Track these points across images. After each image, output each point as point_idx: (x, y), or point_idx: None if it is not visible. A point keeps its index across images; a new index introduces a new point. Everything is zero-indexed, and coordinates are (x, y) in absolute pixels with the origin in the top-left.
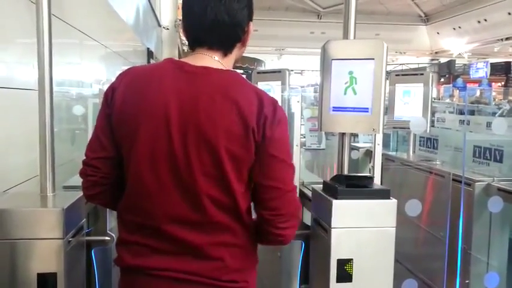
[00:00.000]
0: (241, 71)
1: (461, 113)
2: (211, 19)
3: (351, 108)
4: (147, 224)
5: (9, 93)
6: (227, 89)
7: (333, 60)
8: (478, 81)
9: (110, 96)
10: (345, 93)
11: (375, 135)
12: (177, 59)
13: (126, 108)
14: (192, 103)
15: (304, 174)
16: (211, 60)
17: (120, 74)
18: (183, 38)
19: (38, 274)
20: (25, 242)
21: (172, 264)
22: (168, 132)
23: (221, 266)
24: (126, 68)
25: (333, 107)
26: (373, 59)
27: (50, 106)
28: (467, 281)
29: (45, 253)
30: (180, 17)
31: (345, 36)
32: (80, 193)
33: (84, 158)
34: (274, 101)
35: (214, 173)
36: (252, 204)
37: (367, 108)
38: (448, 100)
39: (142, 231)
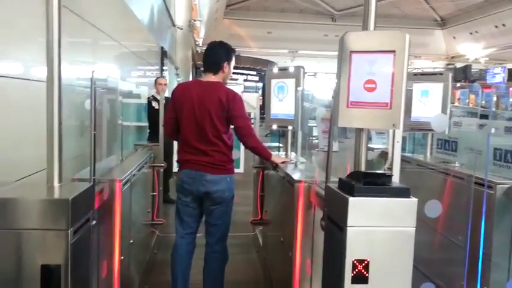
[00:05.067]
0: (255, 72)
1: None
2: (209, 60)
3: (370, 103)
4: (189, 144)
5: (22, 84)
6: (216, 89)
7: (351, 53)
8: (495, 87)
9: (172, 96)
10: (364, 87)
11: (394, 132)
12: (199, 79)
13: (178, 100)
14: (202, 96)
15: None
16: (211, 77)
17: (177, 85)
18: (197, 39)
19: (42, 266)
20: (30, 233)
21: (197, 158)
22: (193, 109)
23: (216, 158)
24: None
25: (351, 102)
26: (394, 51)
27: (58, 97)
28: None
29: (50, 244)
30: (195, 18)
31: (365, 27)
32: (89, 184)
33: (165, 120)
34: (234, 92)
35: (211, 123)
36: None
37: (387, 103)
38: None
39: (185, 147)
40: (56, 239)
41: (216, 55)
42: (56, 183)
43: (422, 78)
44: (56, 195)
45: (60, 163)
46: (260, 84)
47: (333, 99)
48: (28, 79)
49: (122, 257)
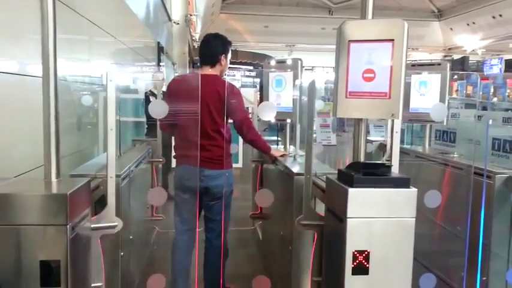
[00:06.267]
0: (251, 67)
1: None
2: (205, 52)
3: (369, 92)
4: (187, 139)
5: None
6: (214, 82)
7: (350, 42)
8: (493, 78)
9: (168, 89)
10: (363, 77)
11: (393, 123)
12: (197, 71)
13: (175, 94)
14: (200, 89)
15: (316, 165)
16: (208, 70)
17: (173, 79)
18: (194, 34)
19: (41, 261)
20: (28, 228)
21: (194, 153)
22: (191, 102)
23: (214, 153)
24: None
25: (350, 92)
26: (393, 40)
27: (54, 92)
28: (484, 278)
29: (49, 240)
30: (191, 12)
31: (363, 16)
32: (86, 179)
33: None
34: (232, 85)
35: (210, 117)
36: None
37: (386, 93)
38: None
39: (185, 142)
40: (55, 234)
41: (212, 47)
42: (53, 179)
43: (420, 69)
44: (54, 190)
45: (58, 158)
46: (258, 80)
47: (308, 90)
48: (24, 75)
49: (122, 253)
